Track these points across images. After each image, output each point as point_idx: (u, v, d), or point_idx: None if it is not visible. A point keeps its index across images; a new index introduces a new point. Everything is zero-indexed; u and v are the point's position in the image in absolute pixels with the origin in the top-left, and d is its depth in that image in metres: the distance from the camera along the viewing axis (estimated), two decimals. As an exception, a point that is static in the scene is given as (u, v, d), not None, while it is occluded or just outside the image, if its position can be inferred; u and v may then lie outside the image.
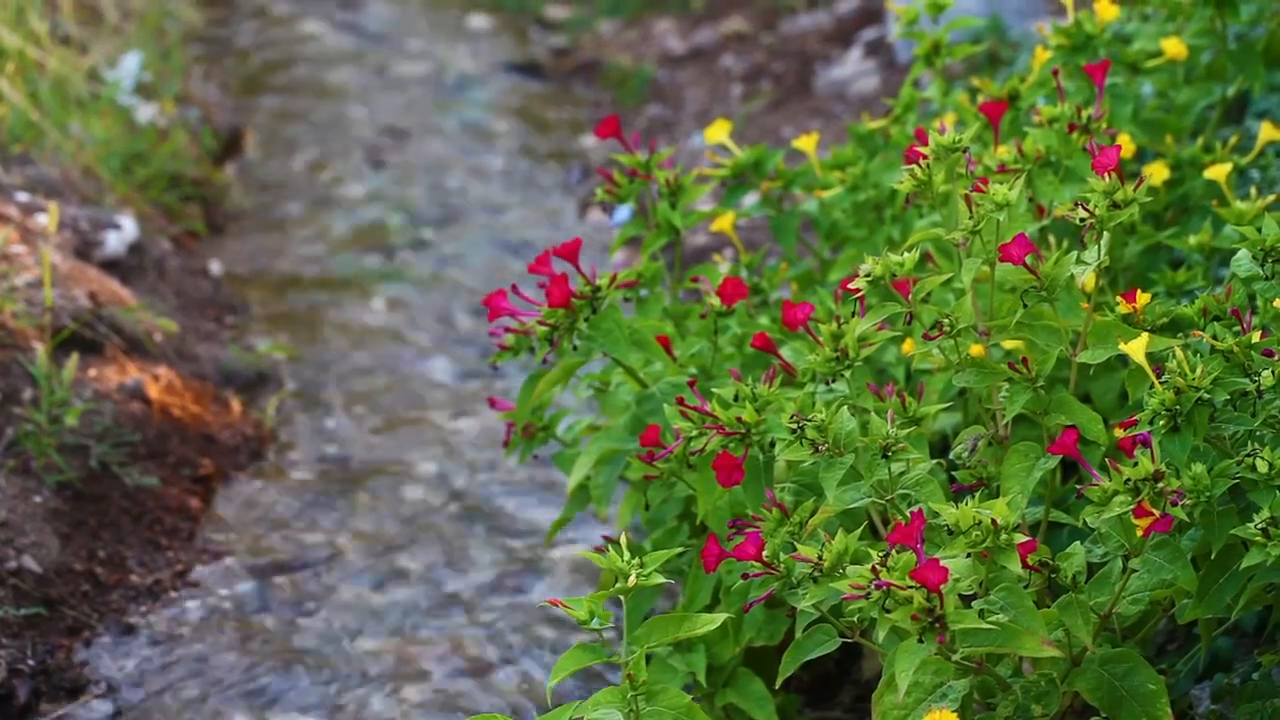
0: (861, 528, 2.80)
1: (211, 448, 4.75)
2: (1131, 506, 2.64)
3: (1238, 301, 2.99)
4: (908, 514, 2.77)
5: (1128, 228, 3.66)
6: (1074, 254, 2.89)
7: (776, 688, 3.04)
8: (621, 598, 2.84)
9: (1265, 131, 3.65)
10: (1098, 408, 3.38)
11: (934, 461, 2.90)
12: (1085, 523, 2.72)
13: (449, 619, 4.13)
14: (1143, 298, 2.96)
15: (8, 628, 3.86)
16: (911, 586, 2.55)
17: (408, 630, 4.09)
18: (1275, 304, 2.89)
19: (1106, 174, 2.85)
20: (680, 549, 3.27)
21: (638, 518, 3.60)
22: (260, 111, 7.33)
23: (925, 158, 2.97)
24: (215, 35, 8.08)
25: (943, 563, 2.53)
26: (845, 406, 2.87)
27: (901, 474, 2.85)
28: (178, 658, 3.97)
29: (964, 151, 2.97)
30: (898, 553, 2.60)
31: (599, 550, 3.11)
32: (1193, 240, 3.54)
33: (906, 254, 2.90)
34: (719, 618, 2.83)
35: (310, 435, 4.94)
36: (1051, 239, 3.55)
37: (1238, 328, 2.86)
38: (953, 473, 3.06)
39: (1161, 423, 2.72)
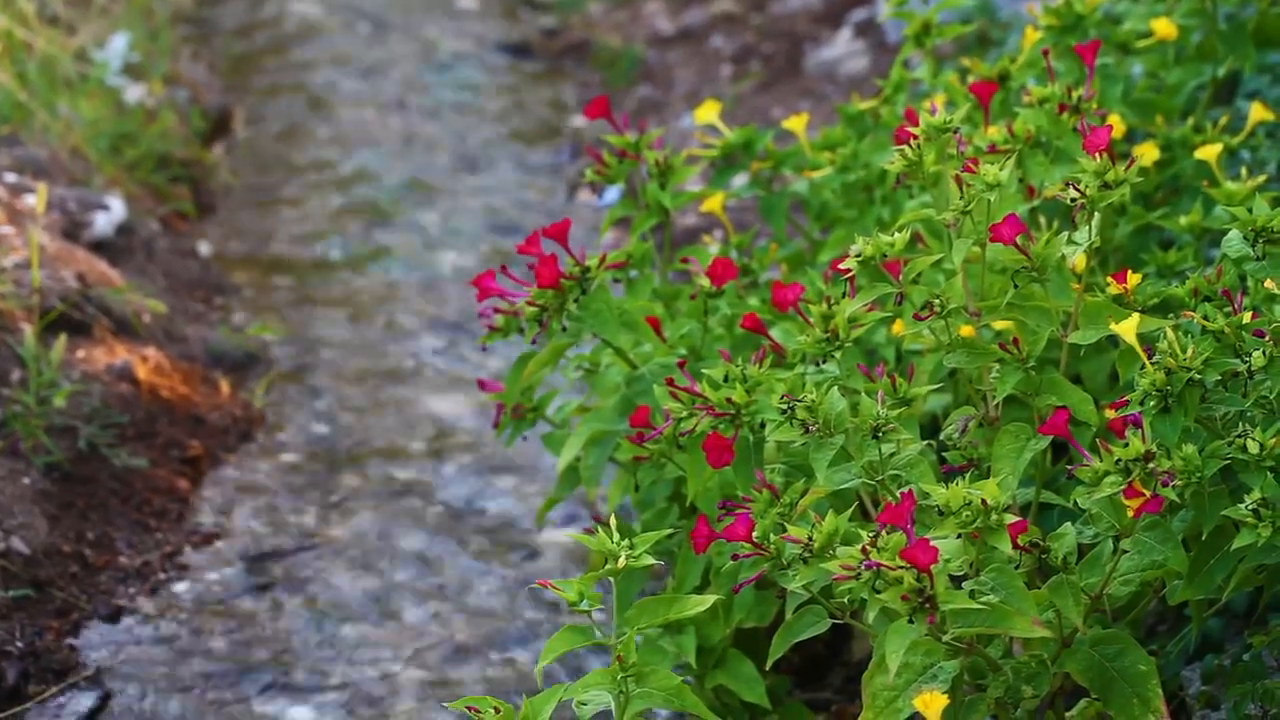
0: (852, 509, 2.80)
1: (200, 429, 4.74)
2: (1122, 487, 2.63)
3: (1229, 282, 2.99)
4: (898, 495, 2.77)
5: (1118, 208, 3.65)
6: (1065, 234, 2.88)
7: (767, 669, 3.04)
8: (611, 579, 2.83)
9: (1255, 112, 3.65)
10: (1088, 388, 3.37)
11: (924, 442, 2.90)
12: (1076, 504, 2.72)
13: (438, 601, 4.12)
14: (1134, 278, 2.96)
15: (-4, 610, 3.86)
16: (902, 567, 2.55)
17: (397, 613, 4.08)
18: (1266, 284, 2.88)
19: (1097, 154, 2.84)
20: (670, 530, 3.26)
21: (628, 499, 3.60)
22: (249, 91, 7.32)
23: (916, 138, 2.96)
24: (203, 15, 8.06)
25: (933, 543, 2.53)
26: (835, 387, 2.86)
27: (892, 455, 2.85)
28: (167, 640, 3.96)
29: (955, 132, 2.96)
30: (888, 533, 2.59)
31: (588, 532, 3.11)
32: (1183, 221, 3.53)
33: (897, 234, 2.89)
34: (709, 599, 2.82)
35: (299, 416, 4.94)
36: (1042, 220, 3.55)
37: (1229, 308, 2.85)
38: (943, 454, 3.06)
39: (1152, 403, 2.72)
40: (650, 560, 2.82)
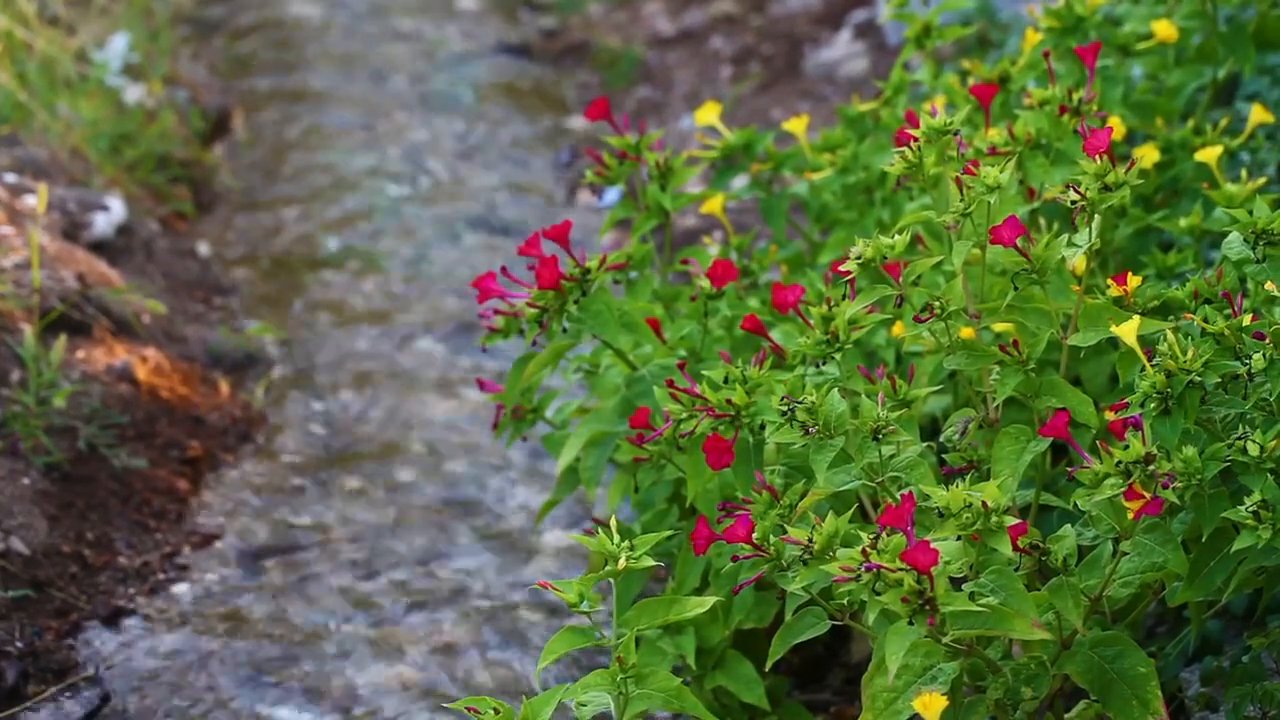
0: (852, 510, 2.80)
1: (200, 429, 4.74)
2: (1122, 489, 2.63)
3: (1229, 284, 2.99)
4: (898, 496, 2.77)
5: (1118, 210, 3.65)
6: (1065, 236, 2.88)
7: (766, 670, 3.04)
8: (611, 581, 2.83)
9: (1255, 114, 3.65)
10: (1088, 390, 3.37)
11: (924, 444, 2.90)
12: (1076, 505, 2.72)
13: (437, 603, 4.12)
14: (1134, 280, 2.96)
15: (-5, 610, 3.86)
16: (902, 569, 2.55)
17: (396, 614, 4.08)
18: (1266, 287, 2.88)
19: (1098, 156, 2.84)
20: (670, 532, 3.26)
21: (627, 500, 3.60)
22: (248, 92, 7.32)
23: (916, 140, 2.96)
24: (203, 15, 8.06)
25: (933, 545, 2.53)
26: (835, 389, 2.87)
27: (892, 456, 2.85)
28: (166, 641, 3.96)
29: (955, 134, 2.96)
30: (888, 535, 2.59)
31: (588, 533, 3.11)
32: (1183, 223, 3.53)
33: (897, 236, 2.89)
34: (709, 601, 2.82)
35: (299, 417, 4.94)
36: (1042, 221, 3.55)
37: (1229, 310, 2.86)
38: (943, 455, 3.06)
39: (1152, 405, 2.72)
40: (650, 562, 2.83)
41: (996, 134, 3.38)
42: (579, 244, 3.38)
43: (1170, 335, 2.74)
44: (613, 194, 5.17)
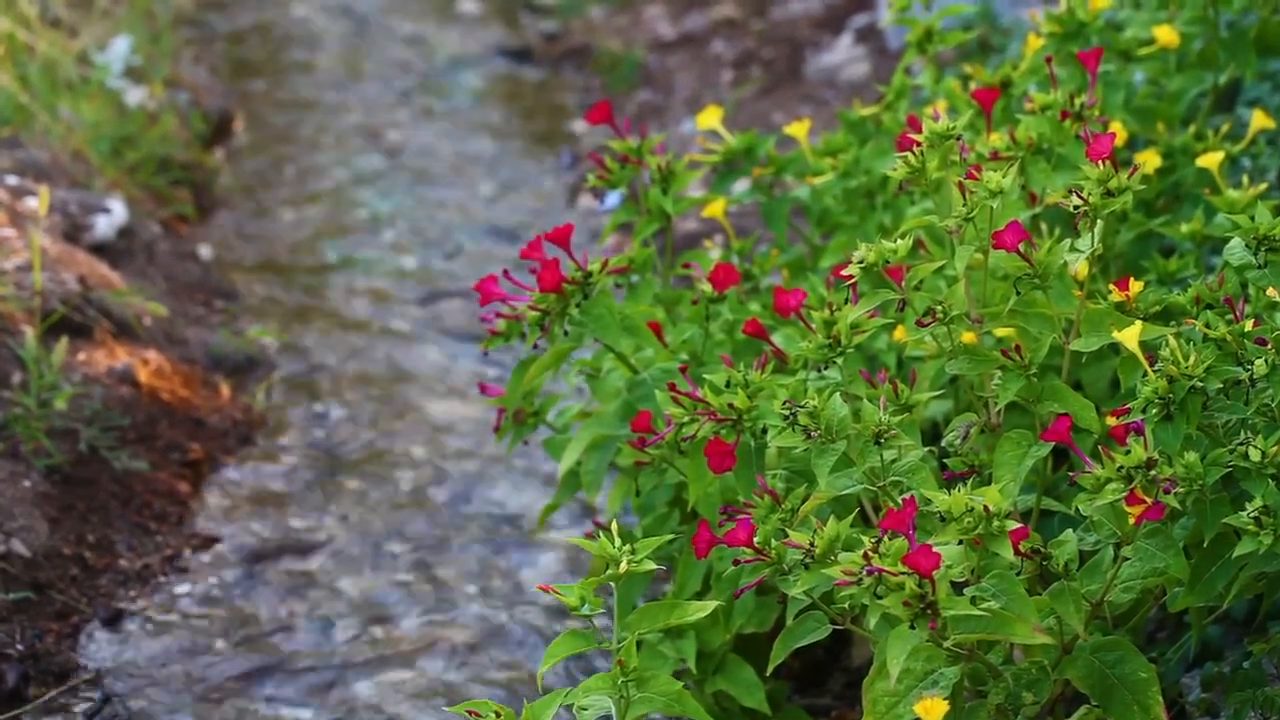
0: (853, 514, 2.80)
1: (201, 432, 4.74)
2: (1124, 494, 2.64)
3: (1230, 290, 2.99)
4: (900, 501, 2.77)
5: (1120, 215, 3.66)
6: (1067, 242, 2.88)
7: (767, 674, 3.04)
8: (612, 584, 2.83)
9: (1256, 119, 3.65)
10: (1090, 395, 3.38)
11: (926, 449, 2.90)
12: (1077, 510, 2.72)
13: (438, 606, 4.12)
14: (1135, 286, 2.96)
15: (-4, 612, 3.86)
16: (903, 573, 2.55)
17: (396, 616, 4.08)
18: (1268, 292, 2.88)
19: (1100, 161, 2.84)
20: (671, 535, 3.26)
21: (628, 504, 3.60)
22: (250, 95, 7.32)
23: (919, 145, 2.96)
24: (205, 18, 8.06)
25: (935, 549, 2.53)
26: (837, 393, 2.87)
27: (893, 461, 2.85)
28: (166, 643, 3.96)
29: (957, 139, 2.96)
30: (890, 539, 2.59)
31: (589, 537, 3.11)
32: (1185, 228, 3.54)
33: (899, 241, 2.89)
34: (710, 605, 2.82)
35: (300, 420, 4.94)
36: (1044, 227, 3.55)
37: (1230, 316, 2.86)
38: (945, 460, 3.06)
39: (1154, 411, 2.72)
40: (651, 565, 2.83)
41: (998, 139, 3.38)
42: (581, 248, 3.38)
43: (1172, 341, 2.74)
44: (614, 198, 5.17)
